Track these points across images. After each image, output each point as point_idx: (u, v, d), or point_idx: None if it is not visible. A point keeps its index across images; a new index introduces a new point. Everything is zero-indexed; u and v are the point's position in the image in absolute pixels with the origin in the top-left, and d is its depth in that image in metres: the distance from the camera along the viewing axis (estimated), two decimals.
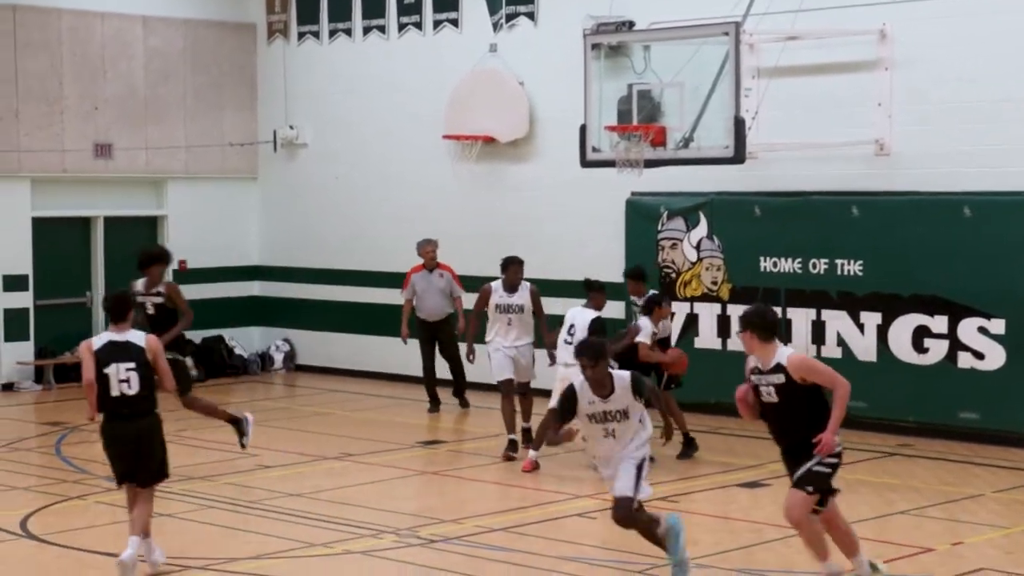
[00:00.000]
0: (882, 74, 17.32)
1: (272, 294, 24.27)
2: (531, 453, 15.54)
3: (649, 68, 16.87)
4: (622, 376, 10.73)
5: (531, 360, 16.49)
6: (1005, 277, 16.50)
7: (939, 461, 15.97)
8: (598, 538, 12.73)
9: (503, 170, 20.99)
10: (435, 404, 19.38)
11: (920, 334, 17.10)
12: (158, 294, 15.72)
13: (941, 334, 16.94)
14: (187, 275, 23.48)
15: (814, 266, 17.82)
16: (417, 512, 13.73)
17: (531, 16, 20.67)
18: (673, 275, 18.98)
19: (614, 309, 17.83)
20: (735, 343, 18.40)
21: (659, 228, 19.10)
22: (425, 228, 21.23)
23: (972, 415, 16.83)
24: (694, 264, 18.82)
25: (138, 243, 22.99)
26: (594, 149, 16.76)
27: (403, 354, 19.95)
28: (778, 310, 18.02)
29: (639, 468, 10.71)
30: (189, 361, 18.15)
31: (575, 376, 15.16)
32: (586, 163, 16.98)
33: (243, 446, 15.57)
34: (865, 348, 17.48)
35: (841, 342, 17.64)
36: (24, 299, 21.85)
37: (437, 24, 21.74)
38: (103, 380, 11.30)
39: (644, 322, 15.74)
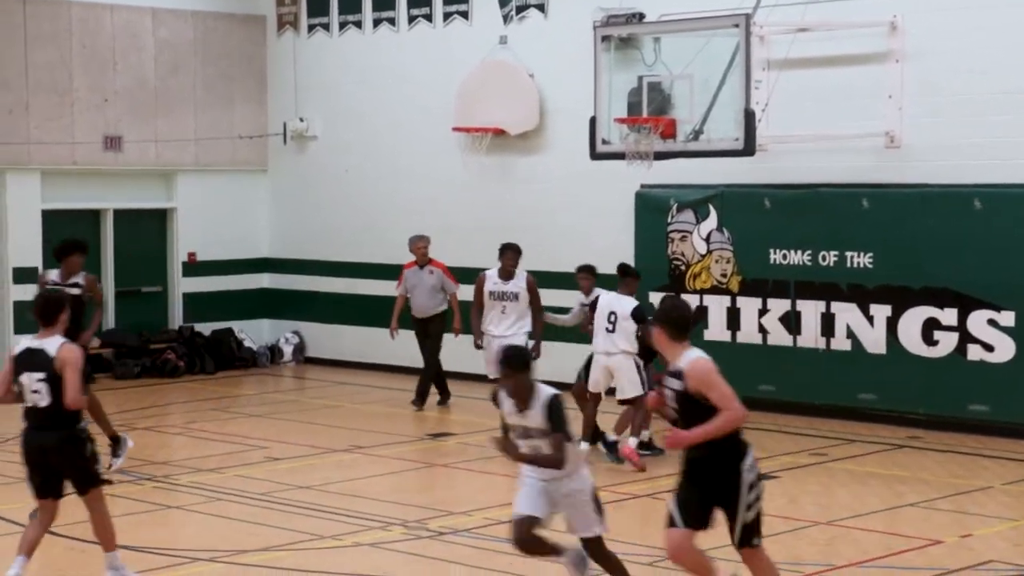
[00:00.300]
0: (893, 66, 17.29)
1: (282, 286, 24.28)
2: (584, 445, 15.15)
3: (659, 60, 16.85)
4: (544, 394, 9.42)
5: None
6: (1015, 270, 16.47)
7: (948, 453, 15.96)
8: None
9: (513, 162, 20.98)
10: (420, 400, 19.22)
11: (930, 326, 17.08)
12: (75, 285, 15.41)
13: (951, 326, 16.92)
14: (197, 268, 23.54)
15: (824, 258, 17.79)
16: (426, 504, 13.73)
17: (541, 8, 20.65)
18: (683, 267, 18.97)
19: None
20: (745, 336, 18.41)
21: (669, 220, 19.08)
22: (435, 220, 21.25)
23: (982, 407, 16.81)
24: (704, 256, 18.80)
25: (148, 236, 23.23)
26: (604, 141, 16.75)
27: (413, 347, 19.94)
28: (788, 302, 18.03)
29: (595, 496, 9.67)
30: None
31: (614, 365, 15.23)
32: (596, 155, 16.97)
33: (110, 466, 14.31)
34: (875, 340, 17.46)
35: (851, 334, 17.62)
36: (34, 291, 21.79)
37: (447, 16, 21.73)
38: (22, 388, 10.54)
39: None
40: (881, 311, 17.42)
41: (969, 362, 16.81)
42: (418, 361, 19.60)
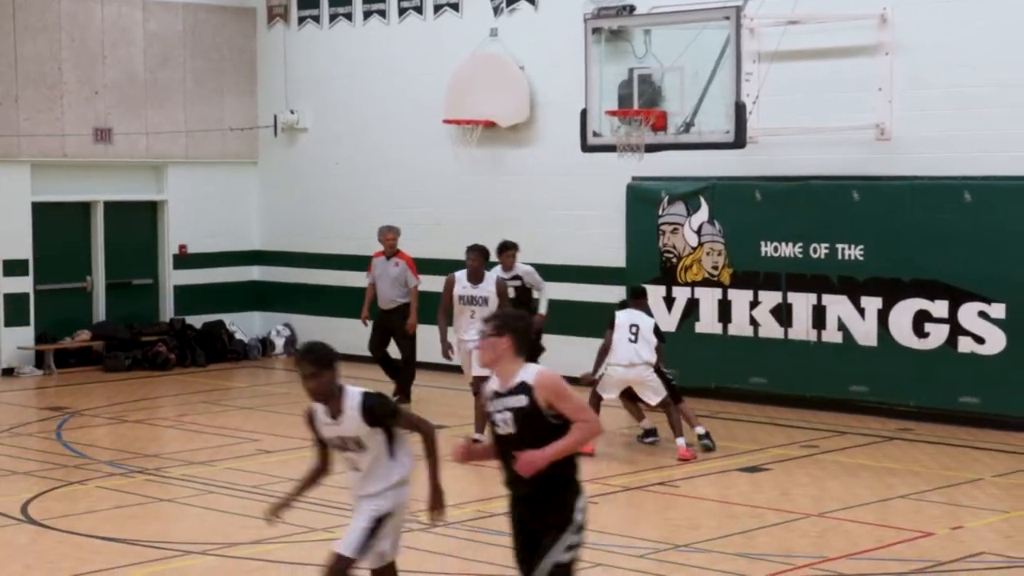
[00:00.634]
0: (883, 59, 17.30)
1: (273, 279, 24.27)
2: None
3: (650, 52, 16.86)
4: (353, 395, 8.24)
5: None
6: (1006, 262, 16.49)
7: (939, 445, 15.98)
8: (599, 523, 12.70)
9: (504, 155, 20.97)
10: (404, 398, 19.16)
11: (921, 319, 17.09)
12: None
13: (942, 319, 16.94)
14: (187, 260, 23.52)
15: (815, 251, 17.81)
16: (418, 496, 13.68)
17: (531, 0, 20.64)
18: (674, 260, 18.97)
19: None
20: (736, 328, 18.41)
21: (660, 213, 19.08)
22: (425, 213, 21.24)
23: (972, 399, 16.83)
24: (695, 249, 18.81)
25: (139, 228, 23.22)
26: (595, 134, 16.75)
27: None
28: (779, 295, 18.05)
29: (375, 524, 8.39)
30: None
31: (632, 378, 15.31)
32: (587, 148, 16.98)
33: None
34: (866, 333, 17.48)
35: (842, 327, 17.64)
36: (24, 284, 21.84)
37: (437, 8, 21.71)
38: None
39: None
40: (872, 303, 17.44)
41: (960, 354, 16.84)
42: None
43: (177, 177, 23.39)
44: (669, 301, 18.92)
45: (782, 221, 18.04)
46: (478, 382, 15.29)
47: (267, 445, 16.16)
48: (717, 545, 11.69)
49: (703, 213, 18.73)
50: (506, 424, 7.78)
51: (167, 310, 23.38)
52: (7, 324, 21.72)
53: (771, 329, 18.15)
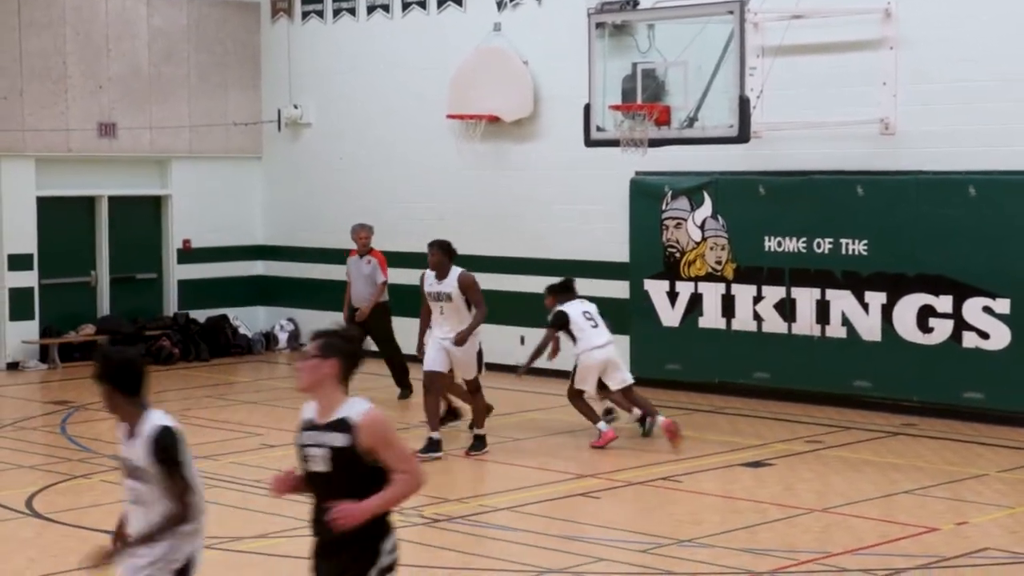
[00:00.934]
0: (887, 53, 17.28)
1: (276, 274, 24.28)
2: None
3: (653, 47, 16.82)
4: (154, 423, 7.30)
5: (473, 354, 15.12)
6: (1010, 257, 16.47)
7: (943, 441, 15.97)
8: (601, 518, 12.75)
9: (507, 149, 20.97)
10: (405, 392, 19.16)
11: (925, 314, 17.08)
12: None
13: (946, 314, 16.92)
14: (191, 255, 23.53)
15: (819, 245, 17.80)
16: (421, 491, 13.70)
17: None
18: (677, 255, 18.96)
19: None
20: (740, 323, 18.41)
21: (663, 207, 19.07)
22: (429, 207, 21.24)
23: (977, 395, 16.82)
24: (698, 244, 18.80)
25: (143, 223, 23.22)
26: (598, 128, 16.73)
27: (406, 334, 19.92)
28: (783, 290, 18.03)
29: None
30: None
31: (610, 358, 15.41)
32: (590, 142, 16.96)
33: None
34: (870, 328, 17.47)
35: (846, 322, 17.63)
36: (29, 278, 21.86)
37: (441, 3, 21.69)
38: None
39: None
40: (876, 298, 17.42)
41: (964, 349, 16.82)
42: (413, 348, 19.52)
43: (181, 172, 23.39)
44: (672, 296, 18.92)
45: (786, 216, 18.03)
46: (427, 377, 15.19)
47: (271, 439, 16.17)
48: (720, 540, 11.69)
49: (707, 208, 18.72)
50: (318, 461, 6.87)
51: (171, 305, 23.39)
52: (12, 318, 21.74)
53: (775, 324, 18.14)
